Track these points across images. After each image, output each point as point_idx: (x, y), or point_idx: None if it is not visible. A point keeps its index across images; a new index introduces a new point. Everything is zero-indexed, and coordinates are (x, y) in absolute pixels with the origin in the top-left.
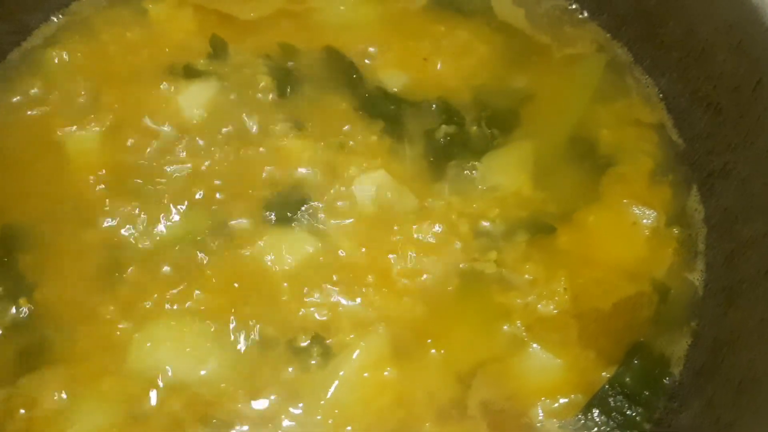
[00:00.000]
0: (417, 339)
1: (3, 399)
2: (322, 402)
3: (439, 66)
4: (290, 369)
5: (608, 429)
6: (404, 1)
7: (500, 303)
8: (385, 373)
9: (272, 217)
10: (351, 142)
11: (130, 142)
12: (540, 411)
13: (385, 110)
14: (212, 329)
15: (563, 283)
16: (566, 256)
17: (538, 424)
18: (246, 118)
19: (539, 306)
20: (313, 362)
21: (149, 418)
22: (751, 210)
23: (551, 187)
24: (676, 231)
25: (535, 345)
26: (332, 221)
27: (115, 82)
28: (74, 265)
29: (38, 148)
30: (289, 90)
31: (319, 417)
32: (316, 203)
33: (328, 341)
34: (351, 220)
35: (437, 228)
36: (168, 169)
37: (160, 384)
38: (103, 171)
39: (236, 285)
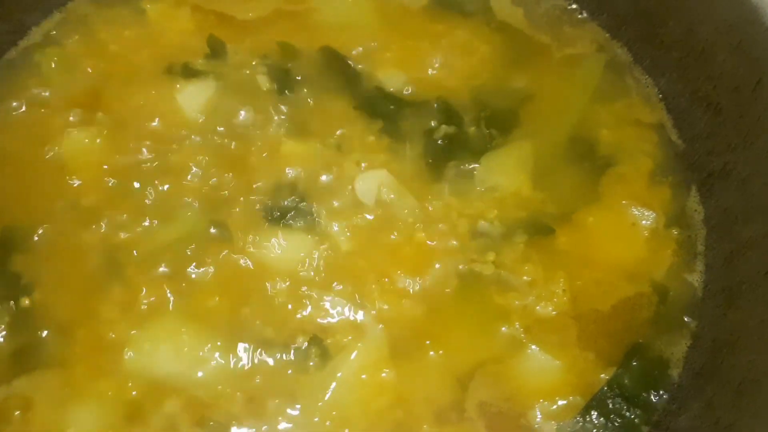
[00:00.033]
0: (415, 340)
1: None
2: (320, 403)
3: (438, 66)
4: (288, 370)
5: (607, 431)
6: (403, 1)
7: (499, 304)
8: (383, 374)
9: (270, 217)
10: (349, 142)
11: (128, 142)
12: (538, 413)
13: (383, 110)
14: (210, 331)
15: (562, 284)
16: (565, 257)
17: (536, 426)
18: (244, 118)
19: (538, 307)
20: (311, 364)
21: (146, 419)
22: (750, 211)
23: (550, 187)
24: (675, 232)
25: (533, 346)
26: (330, 222)
27: (113, 82)
28: (72, 266)
29: (36, 148)
30: (287, 90)
31: (316, 419)
32: (314, 204)
33: (326, 342)
34: (349, 220)
35: (436, 229)
36: (166, 170)
37: (157, 386)
38: (101, 171)
39: (234, 286)
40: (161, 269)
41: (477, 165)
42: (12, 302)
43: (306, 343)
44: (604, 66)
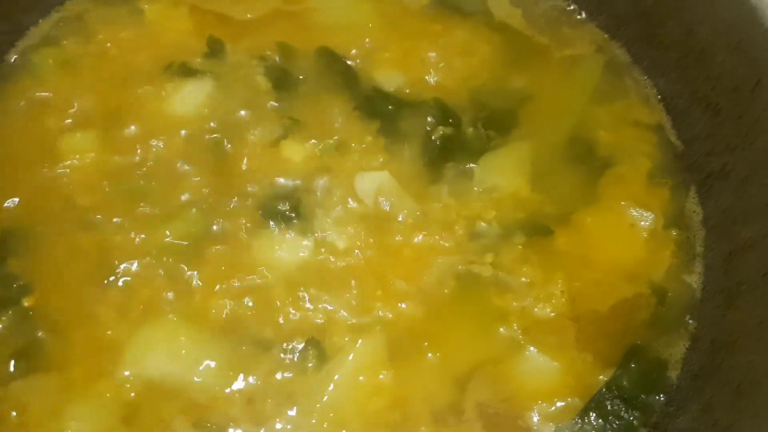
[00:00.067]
0: (413, 342)
1: None
2: (318, 405)
3: (436, 66)
4: (285, 372)
5: None
6: (401, 1)
7: (497, 305)
8: (381, 376)
9: (268, 218)
10: (348, 143)
11: (125, 142)
12: (536, 414)
13: (382, 111)
14: (207, 332)
15: (560, 286)
16: (564, 258)
17: (535, 428)
18: (242, 118)
19: (536, 308)
20: (308, 365)
21: (143, 421)
22: (749, 211)
23: (549, 188)
24: (674, 233)
25: (531, 348)
26: (328, 223)
27: (111, 82)
28: (69, 268)
29: (33, 149)
30: (285, 90)
31: (314, 420)
32: (312, 204)
33: (323, 344)
34: (347, 221)
35: (434, 230)
36: (164, 170)
37: (155, 387)
38: (99, 171)
39: (232, 287)
40: (158, 270)
41: (475, 166)
42: (9, 304)
43: (303, 345)
44: (603, 67)
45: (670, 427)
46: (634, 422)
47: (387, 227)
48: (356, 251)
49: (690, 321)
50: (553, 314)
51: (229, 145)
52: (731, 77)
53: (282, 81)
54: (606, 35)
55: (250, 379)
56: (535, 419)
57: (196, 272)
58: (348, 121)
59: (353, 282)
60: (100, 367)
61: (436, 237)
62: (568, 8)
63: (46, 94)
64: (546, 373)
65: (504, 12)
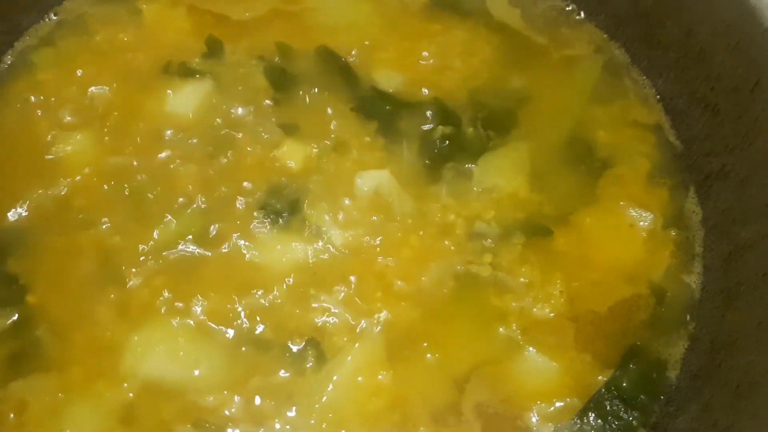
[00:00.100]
0: (412, 342)
1: None
2: (317, 405)
3: (435, 66)
4: (285, 372)
5: None
6: (400, 1)
7: (496, 306)
8: (380, 376)
9: (267, 218)
10: (346, 143)
11: (124, 142)
12: (535, 415)
13: (380, 111)
14: (206, 332)
15: (559, 286)
16: (563, 258)
17: (534, 428)
18: (240, 118)
19: (535, 309)
20: (307, 365)
21: (142, 422)
22: (749, 212)
23: (548, 188)
24: (673, 233)
25: (530, 348)
26: (327, 223)
27: (110, 82)
28: (68, 268)
29: (31, 149)
30: (284, 90)
31: (313, 421)
32: (310, 204)
33: (322, 344)
34: (346, 221)
35: (433, 230)
36: (162, 170)
37: (154, 387)
38: (97, 172)
39: (230, 287)
40: (157, 270)
41: (474, 166)
42: (8, 304)
43: (303, 345)
44: (602, 67)
45: (669, 428)
46: (634, 422)
47: (386, 227)
48: (355, 251)
49: (689, 321)
50: (552, 314)
51: (228, 145)
52: (730, 77)
53: (281, 81)
54: (605, 35)
55: (250, 380)
56: (534, 419)
57: (195, 272)
58: (347, 121)
59: (352, 282)
60: (99, 367)
61: (435, 237)
62: (567, 8)
63: (45, 94)
64: (545, 373)
65: (503, 12)
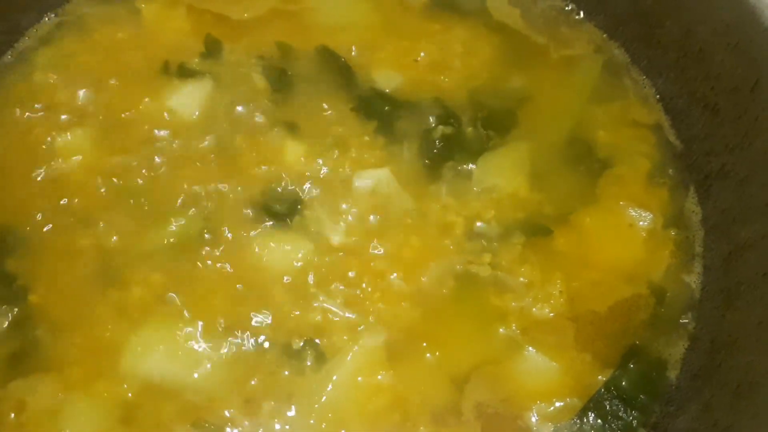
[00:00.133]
0: (412, 342)
1: None
2: (316, 405)
3: (434, 66)
4: (284, 372)
5: None
6: (400, 1)
7: (496, 305)
8: (380, 376)
9: (266, 218)
10: (346, 142)
11: (123, 142)
12: (535, 414)
13: (379, 110)
14: (205, 332)
15: (559, 286)
16: (562, 258)
17: (534, 428)
18: (240, 118)
19: (535, 309)
20: (307, 365)
21: (141, 421)
22: (749, 211)
23: (548, 188)
24: (673, 233)
25: (530, 348)
26: (326, 222)
27: (108, 82)
28: (67, 268)
29: (31, 150)
30: (283, 89)
31: (312, 420)
32: (310, 204)
33: (322, 344)
34: (346, 221)
35: (432, 229)
36: (162, 170)
37: (153, 388)
38: (96, 172)
39: (230, 287)
40: (156, 270)
41: (474, 166)
42: (8, 303)
43: (302, 345)
44: (602, 67)
45: (669, 428)
46: (634, 422)
47: (386, 227)
48: (355, 251)
49: (689, 321)
50: (551, 314)
51: (228, 145)
52: (730, 77)
53: (280, 80)
54: (604, 35)
55: (249, 379)
56: (534, 419)
57: (194, 272)
58: (346, 121)
59: (351, 282)
60: (98, 367)
61: (435, 237)
62: (567, 8)
63: (44, 94)
64: (545, 373)
65: (502, 12)
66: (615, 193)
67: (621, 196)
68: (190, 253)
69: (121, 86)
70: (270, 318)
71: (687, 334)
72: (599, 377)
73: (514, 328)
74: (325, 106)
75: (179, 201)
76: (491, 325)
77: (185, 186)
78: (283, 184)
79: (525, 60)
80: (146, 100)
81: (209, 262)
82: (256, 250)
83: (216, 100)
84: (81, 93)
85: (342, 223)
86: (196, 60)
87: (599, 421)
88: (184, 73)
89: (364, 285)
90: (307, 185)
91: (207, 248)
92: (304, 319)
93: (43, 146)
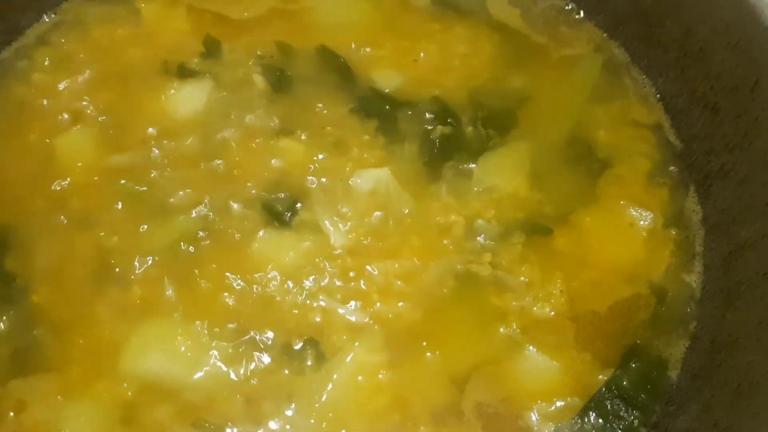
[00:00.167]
0: (412, 341)
1: None
2: (317, 405)
3: (434, 66)
4: (284, 372)
5: None
6: (400, 0)
7: (496, 305)
8: (380, 375)
9: (266, 218)
10: (345, 142)
11: (122, 142)
12: (536, 414)
13: (379, 110)
14: (205, 332)
15: (559, 285)
16: (563, 257)
17: (534, 427)
18: (240, 118)
19: (535, 308)
20: (307, 364)
21: (141, 421)
22: (749, 211)
23: (548, 188)
24: (673, 232)
25: (530, 347)
26: (326, 221)
27: (108, 82)
28: (67, 268)
29: (31, 148)
30: (282, 89)
31: (312, 420)
32: (310, 203)
33: (322, 344)
34: (346, 220)
35: (433, 229)
36: (161, 170)
37: (153, 387)
38: (95, 172)
39: (230, 287)
40: (157, 270)
41: (474, 165)
42: (7, 303)
43: (302, 344)
44: (602, 66)
45: (670, 427)
46: (634, 422)
47: (386, 226)
48: (355, 250)
49: (690, 321)
50: (552, 314)
51: (227, 145)
52: (730, 76)
53: (279, 80)
54: (604, 34)
55: (249, 379)
56: (535, 419)
57: (194, 272)
58: (346, 121)
59: (351, 281)
60: (98, 366)
61: (435, 236)
62: (567, 7)
63: (44, 93)
64: (545, 372)
65: (502, 11)
66: (615, 193)
67: (621, 196)
68: (190, 253)
69: (121, 86)
70: (270, 317)
71: (687, 334)
72: (600, 377)
73: (514, 327)
74: (324, 105)
75: (179, 201)
76: (491, 324)
77: (185, 186)
78: (282, 183)
79: (525, 59)
80: (146, 99)
81: (209, 262)
82: (256, 249)
83: (216, 100)
84: (80, 92)
85: (342, 223)
86: (196, 60)
87: (600, 420)
88: (184, 72)
89: (363, 285)
90: (306, 185)
91: (207, 248)
92: (304, 318)
93: (43, 146)
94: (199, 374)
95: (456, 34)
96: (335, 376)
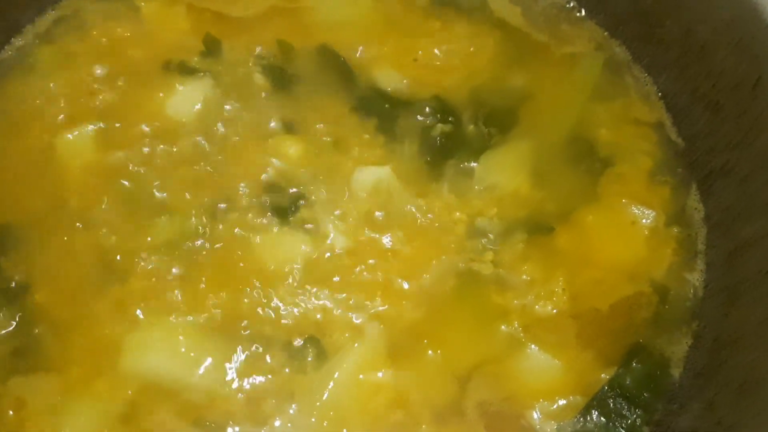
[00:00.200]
0: (413, 340)
1: None
2: (318, 403)
3: (434, 64)
4: (285, 370)
5: (607, 431)
6: None
7: (497, 303)
8: (381, 374)
9: (267, 216)
10: (346, 140)
11: (122, 140)
12: (538, 412)
13: (380, 109)
14: (206, 330)
15: (561, 284)
16: (564, 256)
17: (537, 426)
18: (240, 117)
19: (537, 306)
20: (308, 363)
21: (142, 420)
22: (751, 209)
23: (549, 186)
24: (675, 230)
25: (532, 346)
26: (327, 220)
27: (108, 81)
28: (66, 266)
29: (30, 147)
30: (283, 88)
31: (313, 419)
32: (310, 202)
33: (323, 342)
34: (346, 218)
35: (434, 227)
36: (161, 169)
37: (154, 385)
38: (95, 170)
39: (230, 285)
40: (157, 269)
41: (476, 164)
42: (7, 301)
43: (302, 343)
44: (603, 64)
45: (672, 426)
46: (637, 421)
47: (387, 224)
48: (356, 248)
49: (692, 319)
50: (554, 312)
51: (228, 143)
52: (732, 75)
53: (280, 79)
54: (606, 33)
55: (250, 378)
56: (537, 417)
57: (194, 270)
58: (346, 119)
59: (353, 279)
60: (98, 365)
61: (437, 235)
62: (568, 6)
63: (43, 92)
64: (547, 371)
65: (503, 9)
66: (617, 191)
67: (623, 194)
68: (190, 251)
69: (121, 84)
70: (271, 315)
71: (690, 332)
72: (602, 375)
73: (516, 326)
74: (325, 104)
75: (179, 200)
76: (493, 323)
77: (185, 184)
78: (283, 182)
79: (526, 58)
80: (146, 98)
81: (209, 260)
82: (257, 248)
83: (216, 99)
84: (80, 91)
85: (343, 221)
86: (196, 58)
87: (603, 419)
88: (184, 71)
89: (365, 283)
90: (307, 183)
91: (207, 246)
92: (305, 317)
93: (43, 146)
94: (199, 373)
95: (457, 32)
96: (336, 375)
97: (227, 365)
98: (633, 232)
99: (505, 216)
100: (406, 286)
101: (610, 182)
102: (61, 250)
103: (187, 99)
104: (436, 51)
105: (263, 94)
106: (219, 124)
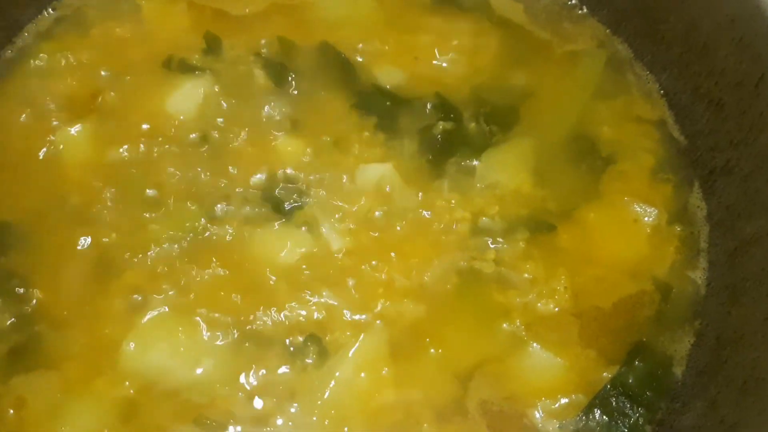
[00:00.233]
0: (415, 338)
1: None
2: (319, 402)
3: (436, 62)
4: (286, 368)
5: (609, 430)
6: None
7: (499, 302)
8: (383, 372)
9: (267, 214)
10: (347, 138)
11: (123, 138)
12: (540, 411)
13: (380, 107)
14: (206, 329)
15: (563, 282)
16: (566, 254)
17: (539, 425)
18: (240, 114)
19: (539, 305)
20: (309, 361)
21: (142, 418)
22: (753, 207)
23: (551, 184)
24: (677, 229)
25: (534, 344)
26: (329, 218)
27: (108, 79)
28: (67, 265)
29: (30, 145)
30: (283, 85)
31: (315, 417)
32: (311, 199)
33: (324, 340)
34: (348, 216)
35: (436, 226)
36: (161, 167)
37: (154, 384)
38: (96, 168)
39: (231, 283)
40: (157, 268)
41: (477, 162)
42: (7, 300)
43: (303, 341)
44: (605, 62)
45: (675, 425)
46: (640, 419)
47: (388, 222)
48: (357, 246)
49: (695, 317)
50: (556, 310)
51: (228, 141)
52: (734, 72)
53: (280, 76)
54: (608, 30)
55: (251, 376)
56: (539, 416)
57: (195, 269)
58: (347, 117)
59: (354, 277)
60: (99, 364)
61: (438, 233)
62: (570, 3)
63: (43, 90)
64: (549, 369)
65: (505, 7)
66: (619, 189)
67: (625, 192)
68: (190, 249)
69: (122, 82)
70: (272, 314)
71: (692, 331)
72: (604, 374)
73: (518, 324)
74: (325, 101)
75: (179, 197)
76: (495, 321)
77: (185, 182)
78: (284, 179)
79: (528, 55)
80: (146, 96)
81: (209, 258)
82: (257, 246)
83: (216, 96)
84: (80, 89)
85: (344, 219)
86: (197, 56)
87: (605, 417)
88: (185, 69)
89: (366, 280)
90: (308, 181)
91: (207, 244)
92: (306, 315)
93: (43, 143)
94: (199, 371)
95: (458, 29)
96: (338, 373)
97: (228, 364)
98: (635, 230)
99: (506, 214)
100: (407, 284)
101: (612, 180)
102: (62, 249)
103: (187, 97)
104: (437, 49)
105: (264, 92)
106: (219, 122)
